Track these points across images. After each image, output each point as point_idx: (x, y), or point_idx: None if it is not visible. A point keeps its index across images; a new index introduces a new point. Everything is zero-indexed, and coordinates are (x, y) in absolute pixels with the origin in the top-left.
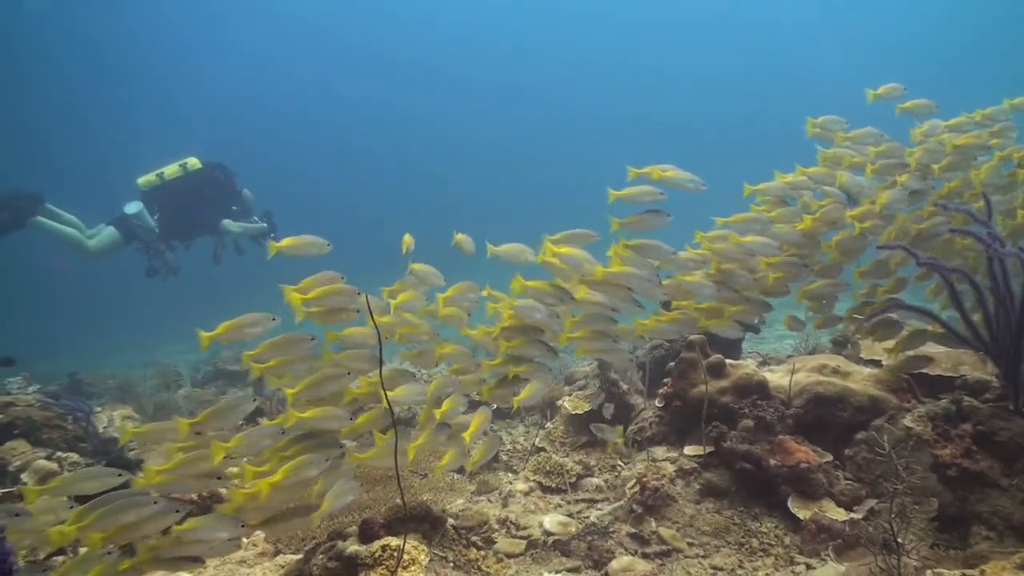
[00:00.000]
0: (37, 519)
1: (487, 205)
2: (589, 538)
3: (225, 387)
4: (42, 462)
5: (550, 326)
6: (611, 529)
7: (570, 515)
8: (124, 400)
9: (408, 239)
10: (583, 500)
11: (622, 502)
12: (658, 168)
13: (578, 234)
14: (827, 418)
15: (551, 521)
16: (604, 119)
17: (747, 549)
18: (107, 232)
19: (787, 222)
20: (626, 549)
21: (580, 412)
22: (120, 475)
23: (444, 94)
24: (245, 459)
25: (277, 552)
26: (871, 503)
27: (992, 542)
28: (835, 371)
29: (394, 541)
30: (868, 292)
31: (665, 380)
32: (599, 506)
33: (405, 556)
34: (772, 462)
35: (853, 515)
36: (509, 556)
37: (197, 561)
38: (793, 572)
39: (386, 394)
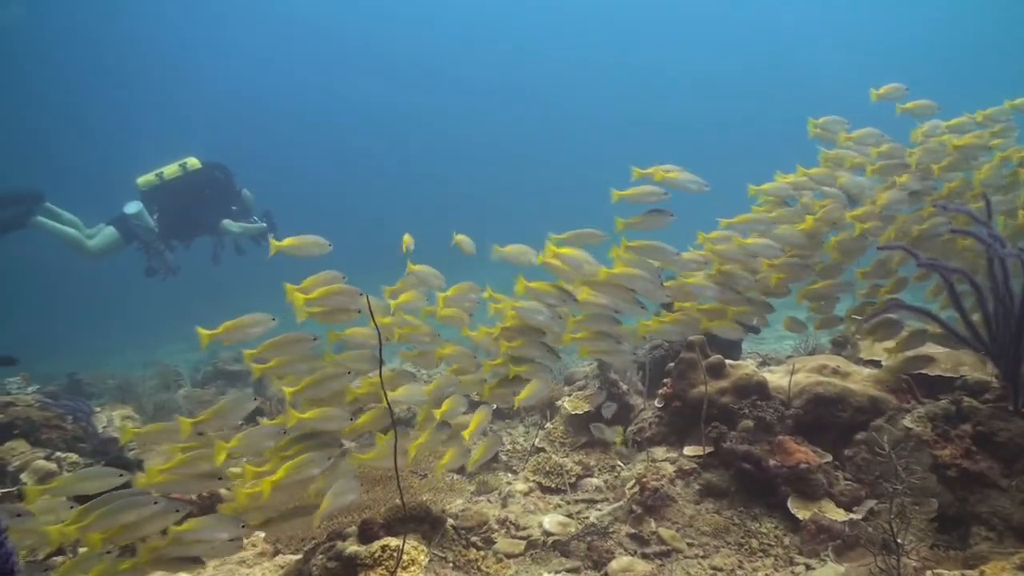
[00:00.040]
0: (39, 519)
1: (487, 205)
2: (589, 538)
3: (225, 387)
4: (41, 462)
5: (552, 328)
6: (611, 529)
7: (570, 515)
8: (124, 400)
9: (407, 239)
10: (583, 500)
11: (622, 502)
12: (661, 169)
13: (586, 233)
14: (827, 418)
15: (551, 521)
16: (604, 119)
17: (747, 549)
18: (107, 232)
19: (789, 222)
20: (626, 549)
21: (580, 412)
22: (121, 475)
23: (444, 94)
24: (245, 459)
25: (276, 552)
26: (871, 503)
27: (992, 543)
28: (835, 371)
29: (393, 541)
30: (869, 292)
31: (665, 380)
32: (599, 506)
33: (404, 556)
34: (772, 462)
35: (853, 515)
36: (509, 556)
37: (197, 562)
38: (793, 572)
39: (386, 394)
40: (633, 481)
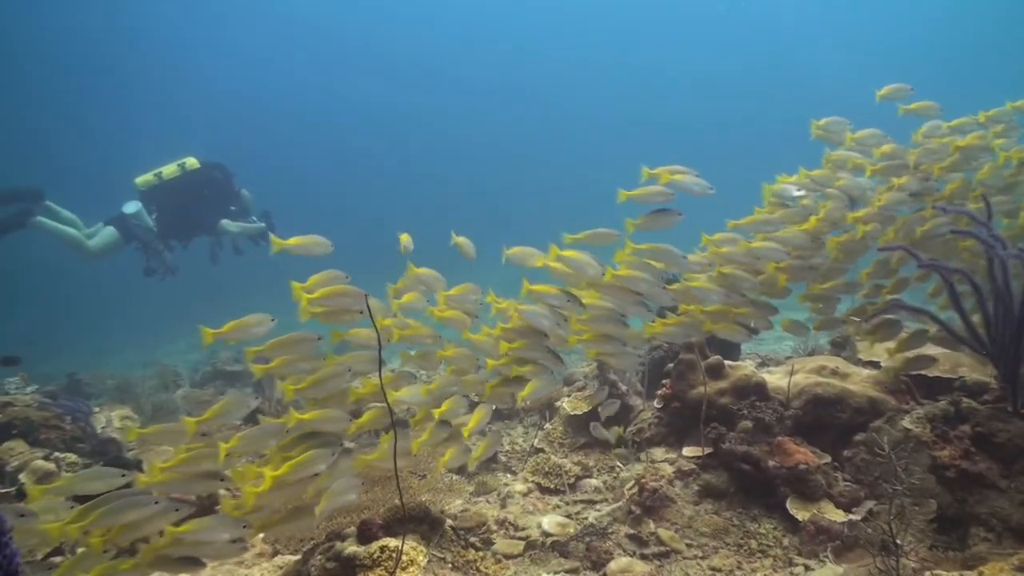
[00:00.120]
0: (41, 520)
1: (487, 205)
2: (587, 539)
3: (224, 387)
4: (40, 462)
5: (556, 331)
6: (610, 530)
7: (569, 516)
8: (123, 400)
9: (406, 239)
10: (582, 501)
11: (621, 503)
12: (668, 170)
13: (601, 233)
14: (826, 419)
15: (549, 522)
16: (604, 119)
17: (746, 550)
18: (107, 232)
19: (791, 223)
20: (624, 550)
21: (579, 413)
22: (124, 475)
23: (444, 94)
24: (245, 459)
25: (275, 553)
26: (870, 504)
27: (990, 543)
28: (834, 372)
29: (392, 542)
30: (869, 292)
31: (664, 381)
32: (598, 507)
33: (403, 557)
34: (771, 463)
35: (852, 516)
36: (507, 557)
37: (198, 563)
38: (792, 573)
39: (386, 395)
40: (632, 482)
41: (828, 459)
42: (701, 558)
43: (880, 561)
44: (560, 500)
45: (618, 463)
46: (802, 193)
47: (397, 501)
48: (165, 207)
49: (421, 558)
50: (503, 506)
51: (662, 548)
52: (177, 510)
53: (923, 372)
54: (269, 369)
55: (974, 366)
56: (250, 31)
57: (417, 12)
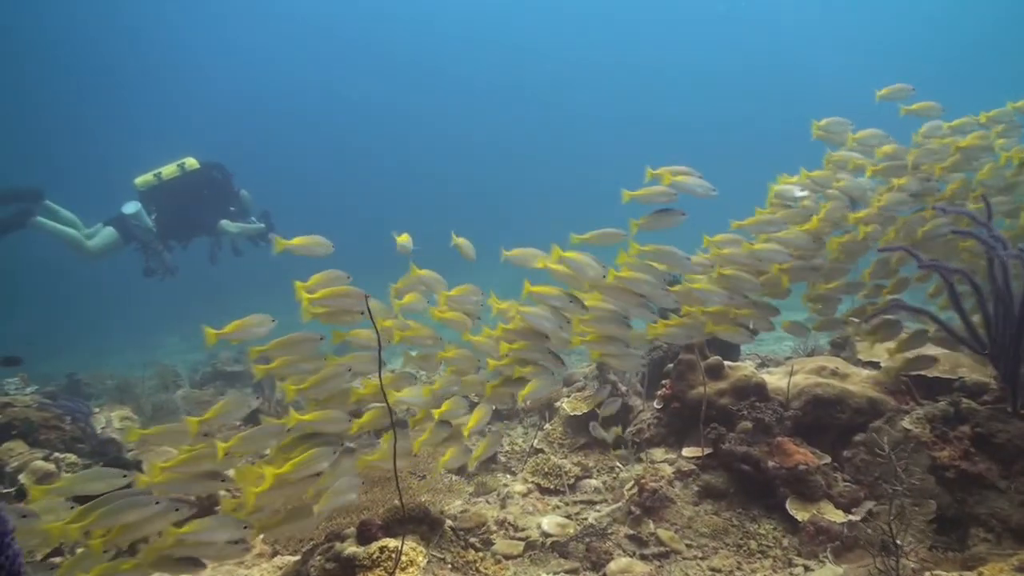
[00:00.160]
0: (43, 520)
1: (487, 205)
2: (587, 539)
3: (223, 388)
4: (39, 463)
5: (558, 334)
6: (609, 530)
7: (568, 516)
8: (122, 401)
9: (404, 239)
10: (581, 501)
11: (620, 503)
12: (670, 171)
13: (608, 233)
14: (825, 420)
15: (549, 522)
16: (604, 119)
17: (745, 551)
18: (106, 232)
19: (794, 224)
20: (624, 551)
21: (579, 413)
22: (125, 475)
23: (444, 94)
24: (245, 460)
25: (275, 553)
26: (869, 505)
27: (990, 544)
28: (834, 373)
29: (392, 542)
30: (870, 292)
31: (663, 382)
32: (597, 507)
33: (403, 557)
34: (770, 464)
35: (851, 517)
36: (507, 557)
37: (199, 564)
38: (791, 574)
39: (386, 396)
40: (632, 482)
41: (828, 459)
42: (701, 558)
43: (880, 561)
44: (560, 501)
45: (618, 463)
46: (805, 194)
47: (397, 502)
48: (164, 207)
49: (420, 559)
50: (503, 507)
51: (662, 548)
52: (178, 510)
53: (923, 372)
54: (270, 369)
55: (974, 366)
56: (250, 31)
57: (417, 12)
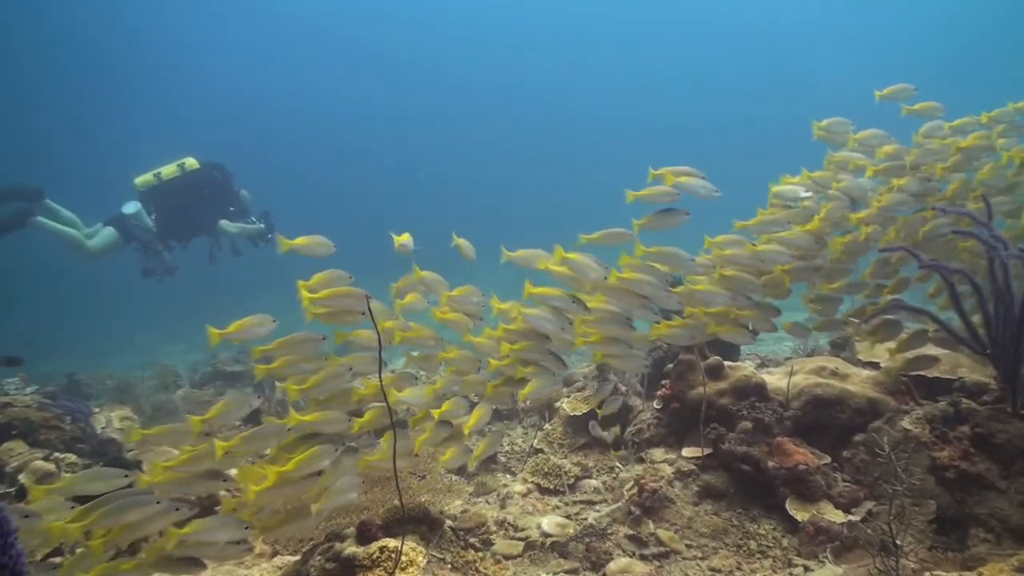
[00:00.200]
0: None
1: (487, 205)
2: (587, 540)
3: (223, 388)
4: (39, 463)
5: (559, 335)
6: (609, 531)
7: (568, 517)
8: (122, 401)
9: (405, 238)
10: (581, 502)
11: (620, 504)
12: (673, 172)
13: (615, 233)
14: (825, 420)
15: (549, 523)
16: (604, 119)
17: (745, 551)
18: (106, 232)
19: (795, 224)
20: (624, 551)
21: (579, 414)
22: (126, 475)
23: (444, 94)
24: (246, 459)
25: (275, 553)
26: (869, 505)
27: (990, 544)
28: (833, 373)
29: (392, 542)
30: (870, 292)
31: (663, 382)
32: (597, 508)
33: (403, 557)
34: (770, 464)
35: (851, 517)
36: (507, 557)
37: (199, 564)
38: (791, 574)
39: (386, 396)
40: (632, 482)
41: (828, 460)
42: (701, 559)
43: (879, 562)
44: (559, 501)
45: (618, 464)
46: (808, 194)
47: (396, 502)
48: (164, 207)
49: (420, 559)
50: (503, 507)
51: (662, 549)
52: (178, 510)
53: (923, 373)
54: (271, 369)
55: (974, 367)
56: (250, 31)
57: (417, 12)
